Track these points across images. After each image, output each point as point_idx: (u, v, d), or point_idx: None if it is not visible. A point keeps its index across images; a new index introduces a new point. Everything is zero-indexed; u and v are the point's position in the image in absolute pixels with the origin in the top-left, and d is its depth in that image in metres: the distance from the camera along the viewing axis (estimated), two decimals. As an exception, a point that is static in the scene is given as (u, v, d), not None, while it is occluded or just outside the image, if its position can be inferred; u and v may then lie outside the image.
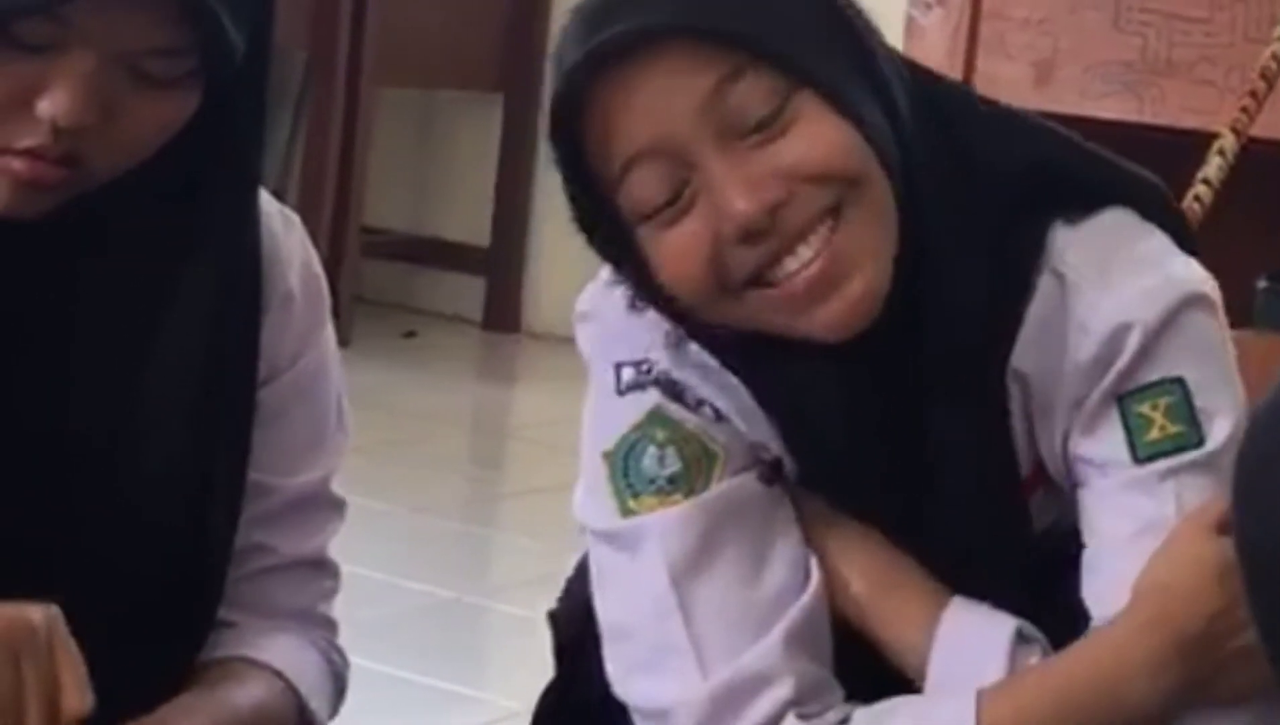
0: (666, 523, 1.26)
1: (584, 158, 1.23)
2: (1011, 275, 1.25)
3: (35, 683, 1.12)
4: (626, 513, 1.27)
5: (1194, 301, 1.25)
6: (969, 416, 1.25)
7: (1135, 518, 1.22)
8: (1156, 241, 1.27)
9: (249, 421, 1.32)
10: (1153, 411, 1.23)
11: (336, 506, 1.41)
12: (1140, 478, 1.23)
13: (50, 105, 1.17)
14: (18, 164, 1.19)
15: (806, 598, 1.26)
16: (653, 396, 1.28)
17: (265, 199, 1.34)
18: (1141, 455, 1.23)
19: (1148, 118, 2.82)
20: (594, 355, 1.32)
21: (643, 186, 1.21)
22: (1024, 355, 1.25)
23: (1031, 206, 1.26)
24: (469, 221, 4.75)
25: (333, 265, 4.12)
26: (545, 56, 4.63)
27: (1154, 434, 1.23)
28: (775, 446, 1.28)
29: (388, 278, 4.80)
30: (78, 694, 1.13)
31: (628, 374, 1.29)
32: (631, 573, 1.27)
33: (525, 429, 4.00)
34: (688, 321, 1.27)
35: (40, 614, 1.14)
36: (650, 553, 1.25)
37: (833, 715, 1.24)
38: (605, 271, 1.31)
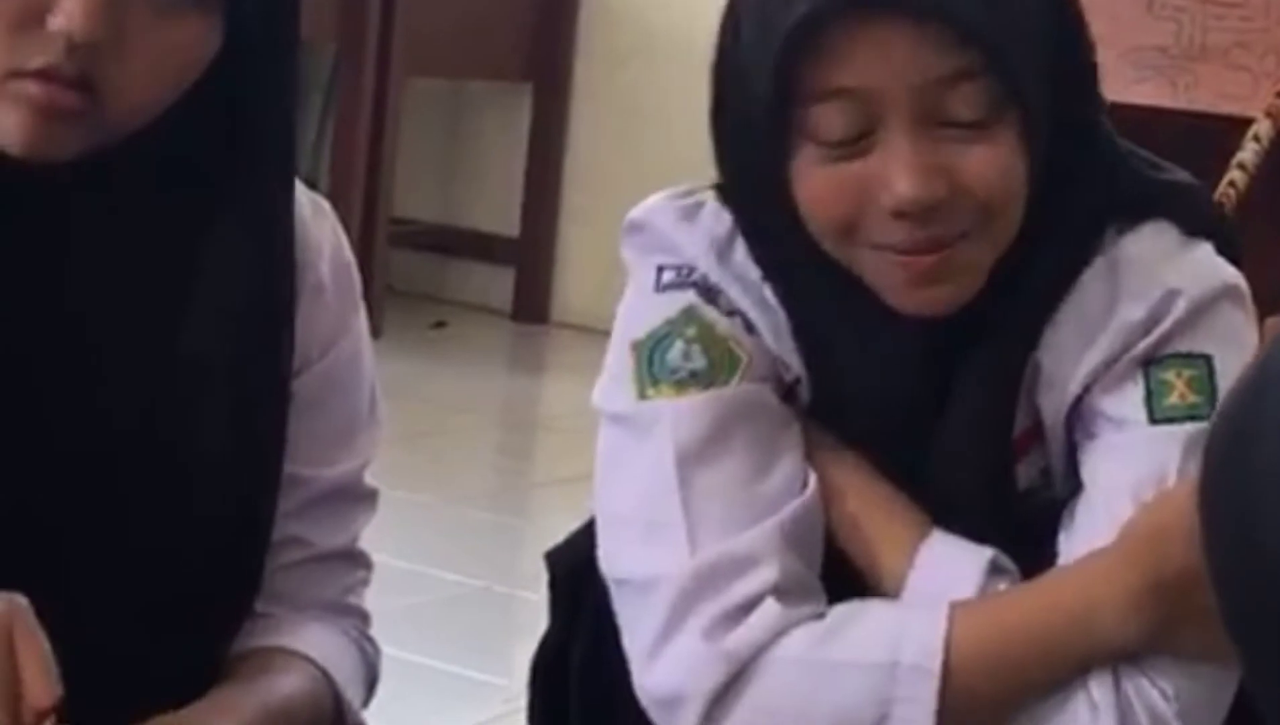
0: (680, 409, 1.30)
1: (795, 67, 1.25)
2: (1073, 266, 1.31)
3: None
4: (643, 397, 1.31)
5: (1234, 294, 1.32)
6: (994, 381, 1.30)
7: (1137, 468, 1.27)
8: (1203, 247, 1.34)
9: (284, 411, 1.32)
10: (1176, 379, 1.29)
11: (369, 497, 1.41)
12: (1150, 436, 1.28)
13: (63, 19, 1.15)
14: (33, 87, 1.17)
15: (803, 500, 1.30)
16: (689, 296, 1.33)
17: (296, 186, 1.33)
18: (1157, 416, 1.28)
19: (1182, 103, 2.80)
20: (637, 259, 1.37)
21: (830, 117, 1.24)
22: (1052, 332, 1.30)
23: (1101, 210, 1.32)
24: (498, 212, 4.75)
25: (362, 256, 4.10)
26: (574, 47, 4.67)
27: (1173, 399, 1.29)
28: (796, 368, 1.33)
29: (417, 268, 4.80)
30: (42, 686, 1.10)
31: (668, 275, 1.34)
32: (638, 454, 1.31)
33: (555, 419, 4.00)
34: (771, 242, 1.31)
35: None
36: (660, 436, 1.29)
37: (809, 608, 1.27)
38: (662, 193, 1.38)
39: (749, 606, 1.25)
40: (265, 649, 1.32)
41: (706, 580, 1.26)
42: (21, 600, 1.12)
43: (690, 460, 1.29)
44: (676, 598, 1.26)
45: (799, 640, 1.25)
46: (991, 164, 1.25)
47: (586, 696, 1.37)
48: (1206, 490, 1.07)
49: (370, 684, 1.41)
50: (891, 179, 1.23)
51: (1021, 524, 1.31)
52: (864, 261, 1.27)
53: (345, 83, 4.38)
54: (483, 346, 4.52)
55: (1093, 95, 1.32)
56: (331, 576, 1.38)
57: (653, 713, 1.28)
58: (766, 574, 1.26)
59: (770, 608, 1.25)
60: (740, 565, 1.26)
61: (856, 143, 1.25)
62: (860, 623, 1.25)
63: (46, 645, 1.12)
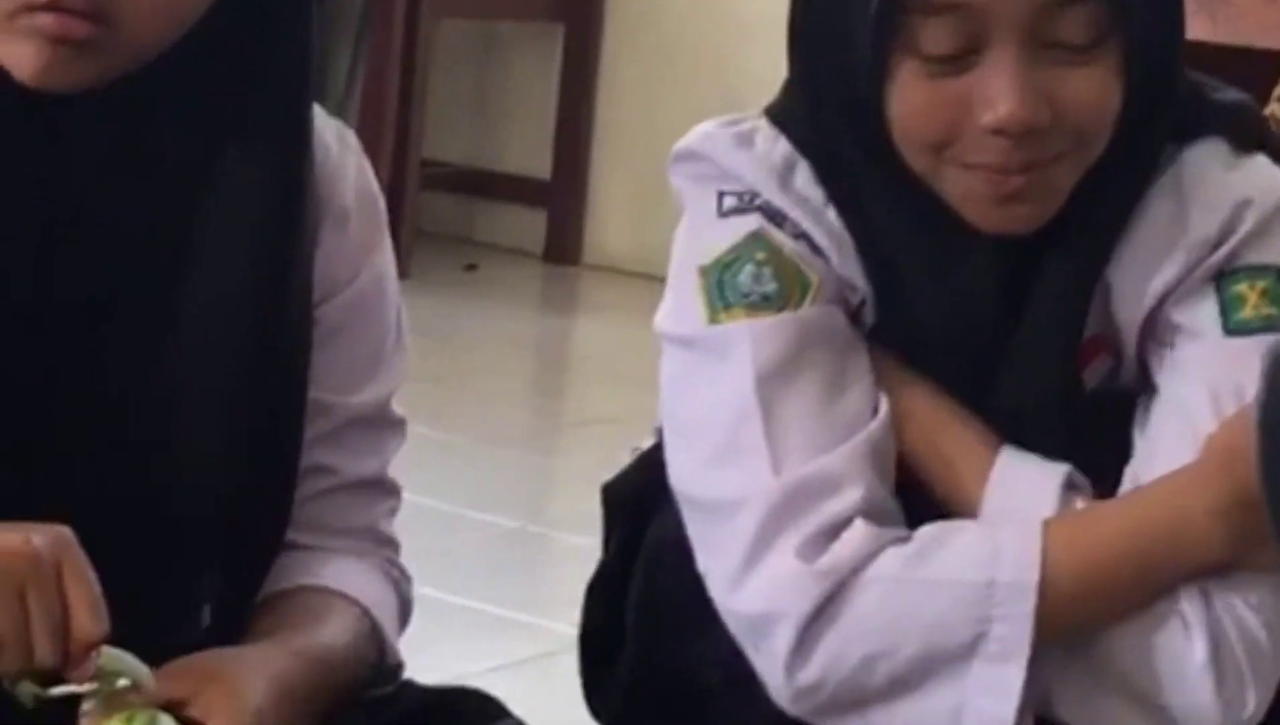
0: (758, 330, 1.30)
1: None
2: (1142, 184, 1.32)
3: (41, 612, 1.09)
4: (714, 321, 1.31)
5: None
6: (1067, 297, 1.31)
7: (1214, 379, 1.29)
8: (1259, 158, 1.35)
9: (305, 340, 1.31)
10: (1249, 291, 1.30)
11: (398, 425, 1.40)
12: (1227, 348, 1.29)
13: None
14: (44, 18, 1.16)
15: (879, 422, 1.30)
16: (755, 220, 1.33)
17: (319, 115, 1.32)
18: (1231, 328, 1.30)
19: (1221, 37, 2.78)
20: (694, 187, 1.37)
21: (938, 31, 1.25)
22: (1123, 248, 1.32)
23: (1166, 129, 1.33)
24: (529, 154, 4.74)
25: (394, 198, 4.10)
26: (606, -14, 4.64)
27: (1246, 312, 1.30)
28: (863, 290, 1.33)
29: (448, 211, 4.80)
30: (90, 619, 1.10)
31: (730, 201, 1.34)
32: (714, 375, 1.31)
33: (587, 360, 4.00)
34: (843, 163, 1.32)
35: (44, 539, 1.11)
36: (738, 357, 1.29)
37: (895, 530, 1.27)
38: (710, 121, 1.37)
39: (840, 527, 1.26)
40: (305, 590, 1.32)
41: (795, 500, 1.26)
42: (69, 534, 1.12)
43: (769, 381, 1.29)
44: (765, 518, 1.26)
45: (892, 560, 1.25)
46: (1092, 90, 1.26)
47: (644, 628, 1.37)
48: (1265, 431, 1.07)
49: (404, 615, 1.41)
50: (994, 98, 1.24)
51: (1087, 426, 1.32)
52: (949, 179, 1.28)
53: (376, 25, 4.36)
54: (514, 288, 4.52)
55: (1181, 24, 1.33)
56: (361, 504, 1.38)
57: (740, 634, 1.28)
58: (854, 494, 1.26)
59: (861, 528, 1.26)
60: (828, 486, 1.26)
61: (960, 59, 1.25)
62: (953, 542, 1.26)
63: (94, 579, 1.12)
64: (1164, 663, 1.25)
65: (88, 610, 1.11)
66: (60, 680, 1.12)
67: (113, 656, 1.14)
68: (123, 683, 1.15)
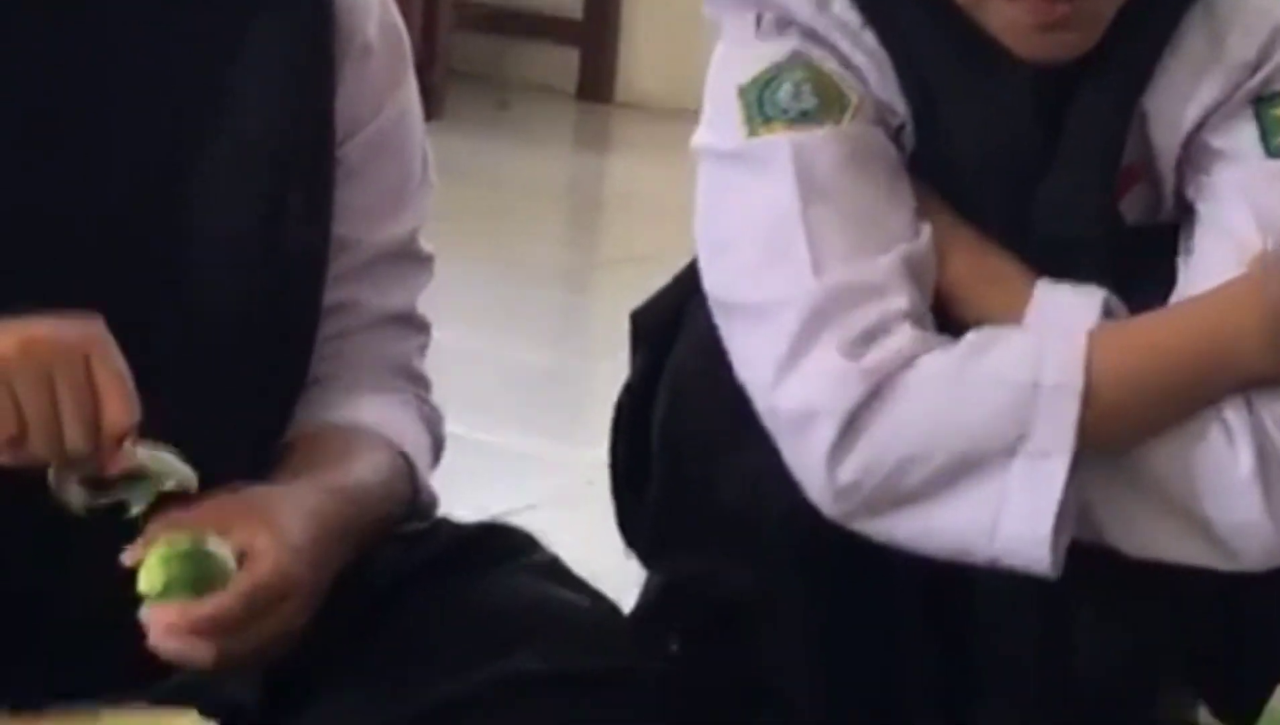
0: (800, 142, 1.30)
1: None
2: (1176, 9, 1.32)
3: (71, 399, 1.09)
4: (754, 135, 1.31)
5: None
6: (1105, 122, 1.32)
7: (1258, 200, 1.29)
8: None
9: (329, 173, 1.31)
10: None
11: (424, 261, 1.40)
12: (1269, 169, 1.31)
13: None
14: None
15: (923, 241, 1.30)
16: (793, 40, 1.33)
17: None
18: (1273, 151, 1.31)
19: None
20: (730, 13, 1.36)
21: None
22: (1159, 75, 1.32)
23: None
24: (561, -9, 4.70)
25: (427, 39, 4.09)
26: None
27: None
28: (902, 114, 1.34)
29: (480, 49, 4.77)
30: (120, 407, 1.10)
31: (768, 20, 1.34)
32: (754, 186, 1.31)
33: (620, 198, 4.00)
34: None
35: (74, 328, 1.11)
36: (779, 167, 1.30)
37: (942, 337, 1.27)
38: None
39: (885, 328, 1.26)
40: (338, 428, 1.33)
41: (838, 301, 1.26)
42: (99, 324, 1.12)
43: (812, 189, 1.29)
44: (807, 316, 1.26)
45: (938, 360, 1.25)
46: None
47: (668, 449, 1.38)
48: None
49: (436, 452, 1.42)
50: None
51: (1128, 261, 1.32)
52: (992, 8, 1.28)
53: None
54: (547, 126, 4.50)
55: None
56: (390, 340, 1.38)
57: (779, 433, 1.28)
58: (898, 301, 1.27)
59: (908, 330, 1.26)
60: (871, 290, 1.27)
61: None
62: (999, 345, 1.26)
63: (125, 367, 1.12)
64: (1208, 472, 1.25)
65: (118, 398, 1.11)
66: (108, 488, 1.14)
67: (158, 458, 1.15)
68: (170, 485, 1.16)
